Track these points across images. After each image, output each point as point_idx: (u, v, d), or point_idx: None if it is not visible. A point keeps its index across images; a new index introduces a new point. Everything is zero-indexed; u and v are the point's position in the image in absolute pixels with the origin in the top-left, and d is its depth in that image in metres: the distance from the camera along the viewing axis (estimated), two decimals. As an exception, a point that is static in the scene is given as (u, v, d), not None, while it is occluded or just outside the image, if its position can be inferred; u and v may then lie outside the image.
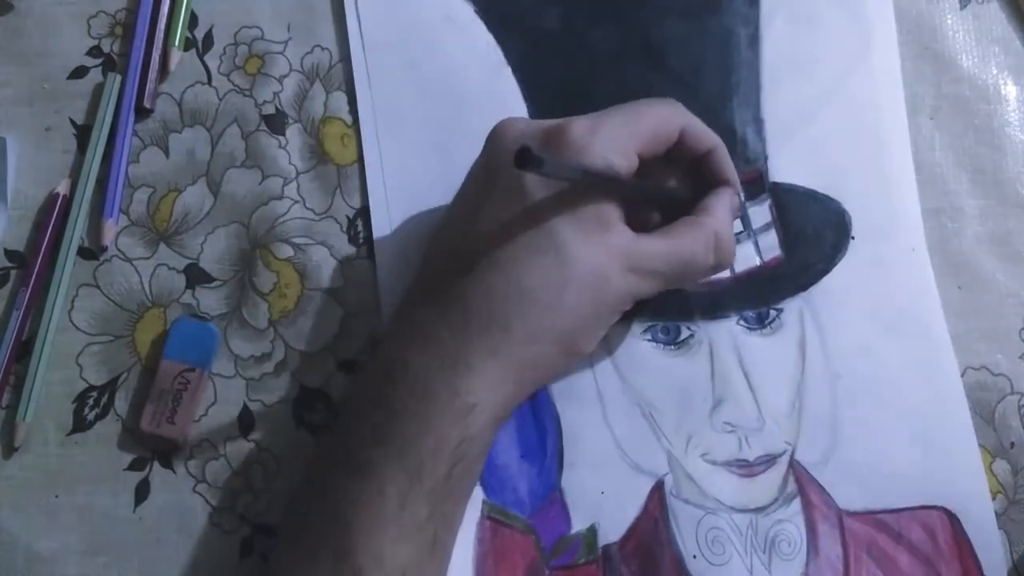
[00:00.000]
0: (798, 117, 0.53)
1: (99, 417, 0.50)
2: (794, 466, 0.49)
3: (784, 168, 0.53)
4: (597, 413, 0.49)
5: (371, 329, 0.51)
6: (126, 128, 0.52)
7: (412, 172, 0.52)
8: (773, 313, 0.51)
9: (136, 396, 0.50)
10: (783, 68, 0.54)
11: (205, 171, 0.53)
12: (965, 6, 0.56)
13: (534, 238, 0.42)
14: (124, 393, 0.50)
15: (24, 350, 0.50)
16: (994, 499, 0.49)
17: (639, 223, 0.45)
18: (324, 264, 0.51)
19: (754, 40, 0.54)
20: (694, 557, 0.47)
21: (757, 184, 0.52)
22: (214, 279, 0.51)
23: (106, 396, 0.50)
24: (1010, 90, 0.55)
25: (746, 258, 0.51)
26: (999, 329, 0.52)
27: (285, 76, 0.54)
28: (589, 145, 0.43)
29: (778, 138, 0.53)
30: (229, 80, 0.54)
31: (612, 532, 0.48)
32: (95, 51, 0.54)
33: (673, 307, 0.50)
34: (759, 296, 0.51)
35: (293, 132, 0.53)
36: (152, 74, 0.53)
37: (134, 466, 0.49)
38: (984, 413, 0.50)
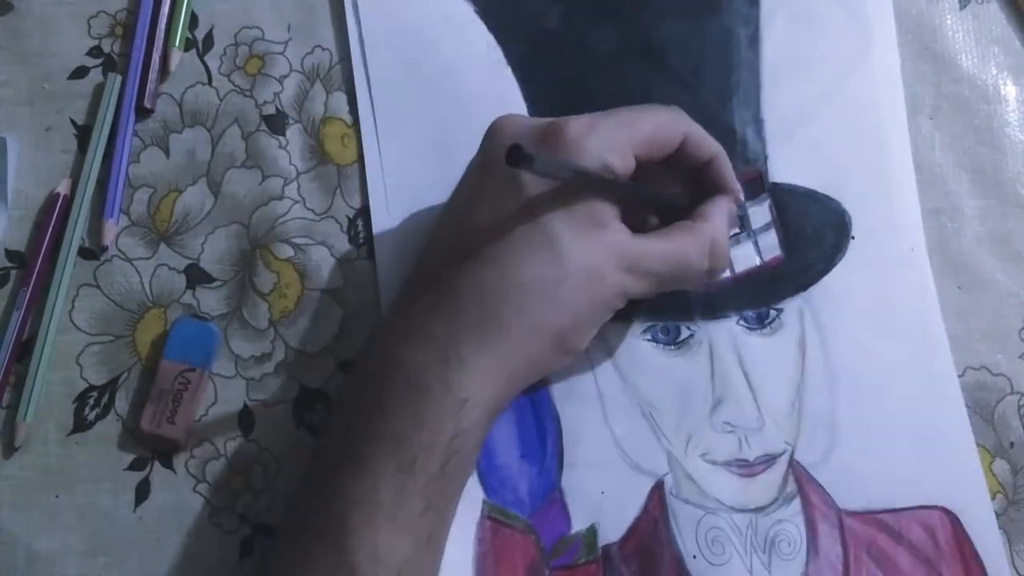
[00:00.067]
0: (798, 117, 0.53)
1: (99, 417, 0.50)
2: (794, 466, 0.49)
3: (784, 168, 0.53)
4: (597, 413, 0.49)
5: (371, 329, 0.51)
6: (126, 128, 0.52)
7: (412, 172, 0.52)
8: (773, 313, 0.51)
9: (136, 396, 0.50)
10: (783, 68, 0.54)
11: (205, 171, 0.53)
12: (965, 6, 0.56)
13: (529, 234, 0.43)
14: (124, 393, 0.50)
15: (24, 350, 0.50)
16: (994, 499, 0.49)
17: (636, 225, 0.45)
18: (324, 264, 0.51)
19: (754, 40, 0.54)
20: (694, 557, 0.47)
21: (757, 184, 0.52)
22: (214, 279, 0.51)
23: (106, 396, 0.50)
24: (1010, 90, 0.55)
25: (746, 258, 0.52)
26: (999, 329, 0.52)
27: (285, 76, 0.54)
28: (585, 144, 0.43)
29: (778, 138, 0.53)
30: (229, 80, 0.54)
31: (612, 532, 0.48)
32: (95, 51, 0.54)
33: (673, 307, 0.50)
34: (759, 296, 0.51)
35: (293, 132, 0.53)
36: (152, 74, 0.53)
37: (134, 466, 0.49)
38: (984, 413, 0.50)
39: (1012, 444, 0.50)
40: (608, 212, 0.43)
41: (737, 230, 0.51)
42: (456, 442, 0.42)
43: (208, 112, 0.53)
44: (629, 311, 0.50)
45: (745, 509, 0.48)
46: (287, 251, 0.52)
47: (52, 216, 0.51)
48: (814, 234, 0.52)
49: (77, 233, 0.51)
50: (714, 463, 0.49)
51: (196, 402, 0.49)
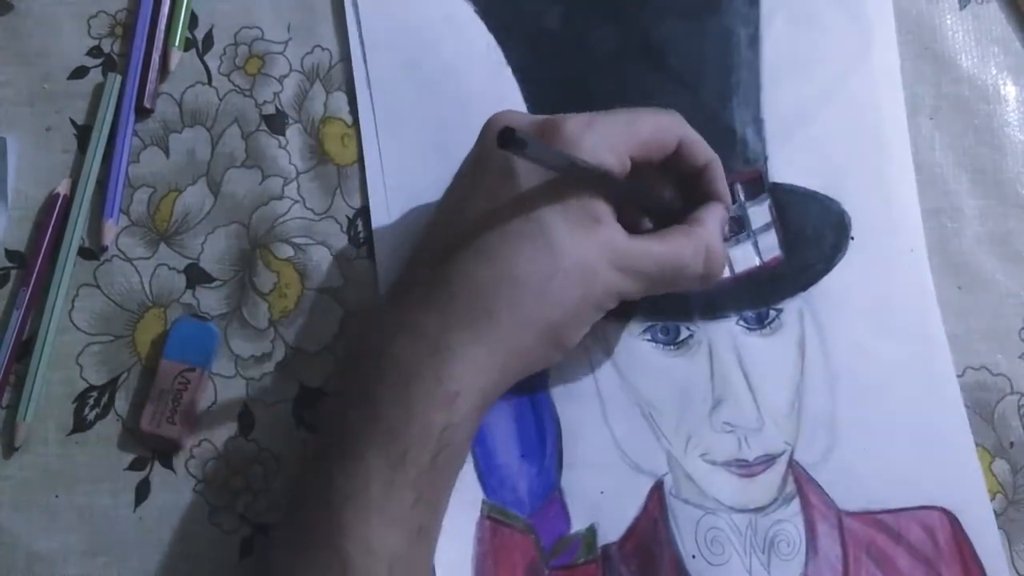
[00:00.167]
0: (798, 117, 0.53)
1: (99, 417, 0.50)
2: (793, 466, 0.49)
3: (784, 168, 0.53)
4: (597, 413, 0.49)
5: (364, 322, 0.51)
6: (126, 128, 0.52)
7: (412, 172, 0.52)
8: (773, 313, 0.51)
9: (136, 396, 0.50)
10: (783, 68, 0.54)
11: (205, 171, 0.53)
12: (965, 6, 0.56)
13: (522, 226, 0.42)
14: (124, 393, 0.50)
15: (24, 350, 0.50)
16: (993, 499, 0.49)
17: (630, 226, 0.45)
18: (324, 264, 0.52)
19: (754, 40, 0.54)
20: (693, 557, 0.47)
21: (757, 184, 0.52)
22: (214, 279, 0.51)
23: (106, 396, 0.50)
24: (1010, 90, 0.55)
25: (746, 258, 0.52)
26: (999, 329, 0.52)
27: (285, 76, 0.54)
28: (581, 141, 0.43)
29: (778, 138, 0.53)
30: (229, 80, 0.54)
31: (611, 532, 0.48)
32: (95, 51, 0.54)
33: (673, 307, 0.50)
34: (759, 296, 0.51)
35: (293, 132, 0.53)
36: (152, 74, 0.53)
37: (134, 466, 0.49)
38: (984, 413, 0.50)
39: (1012, 444, 0.50)
40: (603, 209, 0.43)
41: (736, 231, 0.51)
42: (447, 435, 0.42)
43: (208, 112, 0.53)
44: (628, 311, 0.50)
45: (744, 509, 0.48)
46: (287, 251, 0.52)
47: (52, 216, 0.51)
48: (814, 234, 0.52)
49: (77, 233, 0.51)
50: (713, 463, 0.49)
51: (196, 402, 0.49)
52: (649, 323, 0.51)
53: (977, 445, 0.50)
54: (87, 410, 0.50)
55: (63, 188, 0.52)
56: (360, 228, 0.52)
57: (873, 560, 0.47)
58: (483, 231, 0.43)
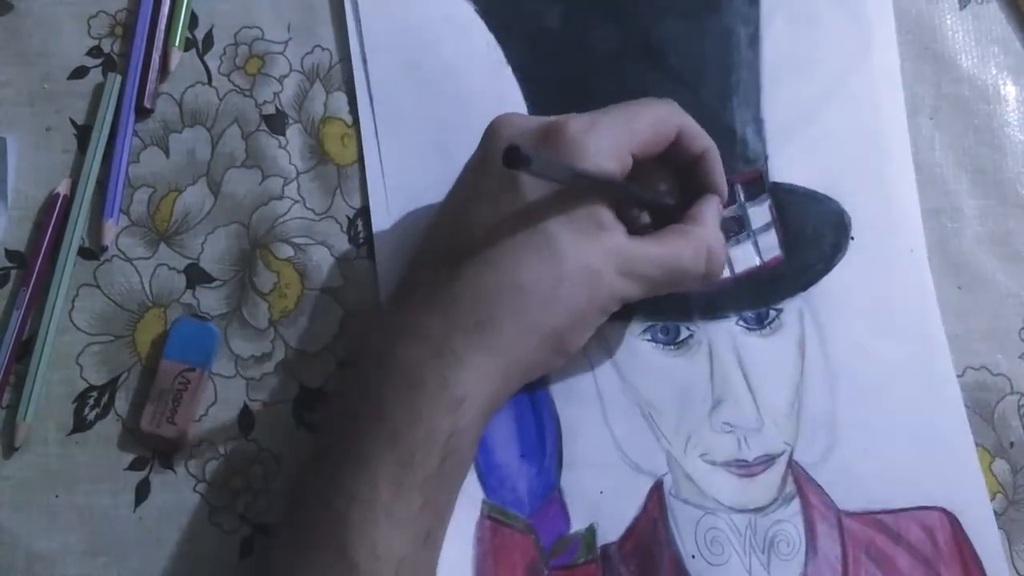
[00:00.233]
0: (798, 117, 0.53)
1: (99, 417, 0.50)
2: (793, 466, 0.49)
3: (784, 168, 0.53)
4: (596, 413, 0.49)
5: (365, 325, 0.51)
6: (126, 128, 0.52)
7: (412, 172, 0.52)
8: (773, 313, 0.51)
9: (136, 396, 0.50)
10: (783, 68, 0.54)
11: (205, 171, 0.53)
12: (965, 6, 0.56)
13: (527, 235, 0.43)
14: (124, 393, 0.50)
15: (24, 350, 0.50)
16: (993, 499, 0.49)
17: (626, 221, 0.45)
18: (324, 264, 0.52)
19: (754, 40, 0.54)
20: (693, 557, 0.47)
21: (757, 184, 0.52)
22: (214, 279, 0.51)
23: (106, 396, 0.50)
24: (1010, 90, 0.55)
25: (746, 258, 0.52)
26: (999, 329, 0.52)
27: (285, 76, 0.54)
28: (585, 144, 0.43)
29: (778, 138, 0.53)
30: (229, 80, 0.54)
31: (611, 532, 0.48)
32: (95, 51, 0.54)
33: (672, 307, 0.50)
34: (759, 296, 0.51)
35: (293, 132, 0.53)
36: (152, 74, 0.53)
37: (134, 466, 0.49)
38: (984, 413, 0.50)
39: (1012, 444, 0.50)
40: (607, 215, 0.44)
41: (736, 231, 0.51)
42: (453, 441, 0.42)
43: (208, 112, 0.53)
44: (628, 311, 0.50)
45: (744, 509, 0.48)
46: (287, 251, 0.52)
47: (52, 216, 0.51)
48: (814, 234, 0.52)
49: (77, 233, 0.51)
50: (713, 463, 0.49)
51: (196, 402, 0.49)
52: (649, 323, 0.51)
53: (977, 445, 0.50)
54: (87, 410, 0.50)
55: (63, 188, 0.52)
56: (360, 228, 0.52)
57: (873, 560, 0.47)
58: (487, 239, 0.43)
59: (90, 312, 0.51)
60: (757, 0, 0.55)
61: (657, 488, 0.48)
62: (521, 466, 0.49)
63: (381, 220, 0.52)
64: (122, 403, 0.50)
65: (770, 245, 0.52)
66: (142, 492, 0.49)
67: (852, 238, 0.52)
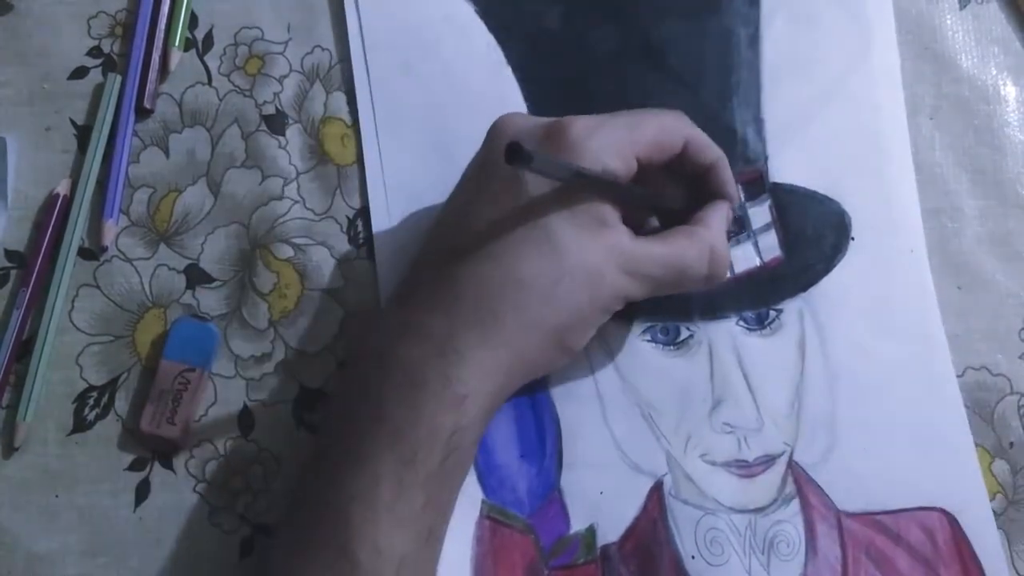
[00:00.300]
0: (798, 117, 0.53)
1: (99, 417, 0.50)
2: (793, 467, 0.49)
3: (784, 168, 0.53)
4: (596, 413, 0.49)
5: (366, 324, 0.51)
6: (126, 128, 0.52)
7: (412, 172, 0.52)
8: (773, 314, 0.51)
9: (136, 396, 0.50)
10: (783, 68, 0.54)
11: (205, 171, 0.53)
12: (965, 6, 0.56)
13: (529, 231, 0.43)
14: (124, 393, 0.50)
15: (24, 350, 0.50)
16: (993, 499, 0.49)
17: (636, 227, 0.45)
18: (324, 264, 0.51)
19: (754, 40, 0.54)
20: (692, 558, 0.47)
21: (757, 184, 0.52)
22: (214, 279, 0.51)
23: (106, 396, 0.50)
24: (1010, 90, 0.55)
25: (746, 258, 0.51)
26: (999, 329, 0.52)
27: (285, 76, 0.54)
28: (588, 145, 0.43)
29: (778, 138, 0.53)
30: (229, 80, 0.54)
31: (611, 532, 0.48)
32: (95, 51, 0.54)
33: (672, 307, 0.50)
34: (759, 297, 0.51)
35: (293, 132, 0.53)
36: (152, 74, 0.53)
37: (134, 466, 0.49)
38: (984, 413, 0.50)
39: (1012, 444, 0.50)
40: (610, 213, 0.44)
41: (736, 231, 0.51)
42: (455, 438, 0.42)
43: (208, 112, 0.53)
44: (629, 311, 0.50)
45: (744, 510, 0.48)
46: (287, 251, 0.52)
47: (52, 216, 0.51)
48: (814, 235, 0.52)
49: (77, 233, 0.51)
50: (713, 464, 0.49)
51: (196, 402, 0.49)
52: (649, 323, 0.51)
53: (977, 445, 0.50)
54: (87, 410, 0.50)
55: (63, 188, 0.52)
56: (360, 228, 0.52)
57: (872, 561, 0.47)
58: (490, 236, 0.43)
59: (90, 312, 0.51)
60: (757, 0, 0.55)
61: (657, 488, 0.48)
62: (521, 466, 0.49)
63: (381, 220, 0.52)
64: (122, 403, 0.50)
65: (770, 245, 0.52)
66: (142, 492, 0.49)
67: (852, 238, 0.52)
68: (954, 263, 0.52)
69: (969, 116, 0.54)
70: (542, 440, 0.49)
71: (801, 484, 0.49)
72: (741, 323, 0.51)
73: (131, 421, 0.49)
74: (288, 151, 0.53)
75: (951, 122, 0.54)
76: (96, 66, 0.54)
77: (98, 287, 0.51)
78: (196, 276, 0.51)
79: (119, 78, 0.53)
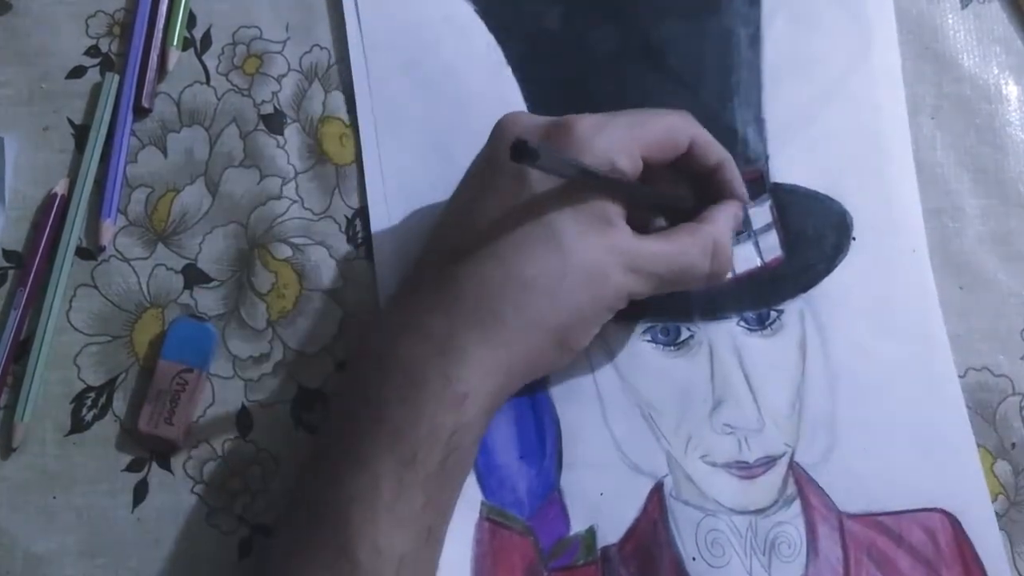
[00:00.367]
0: (799, 117, 0.53)
1: (97, 418, 0.49)
2: (794, 468, 0.49)
3: (785, 168, 0.53)
4: (596, 414, 0.49)
5: (367, 324, 0.50)
6: (124, 128, 0.52)
7: (411, 172, 0.52)
8: (773, 314, 0.51)
9: (134, 397, 0.50)
10: (784, 68, 0.54)
11: (203, 171, 0.52)
12: (966, 6, 0.56)
13: (533, 229, 0.43)
14: (122, 394, 0.50)
15: (22, 350, 0.50)
16: (995, 500, 0.49)
17: (641, 226, 0.45)
18: (323, 264, 0.51)
19: (755, 40, 0.54)
20: (693, 559, 0.47)
21: (758, 184, 0.52)
22: (212, 279, 0.51)
23: (104, 397, 0.50)
24: (1011, 90, 0.55)
25: (747, 259, 0.51)
26: (1000, 329, 0.51)
27: (283, 76, 0.54)
28: (593, 142, 0.43)
29: (779, 138, 0.53)
30: (227, 80, 0.54)
31: (611, 533, 0.48)
32: (93, 51, 0.54)
33: (673, 307, 0.50)
34: (760, 297, 0.51)
35: (291, 132, 0.53)
36: (150, 74, 0.53)
37: (132, 467, 0.49)
38: (985, 414, 0.50)
39: (1014, 445, 0.50)
40: (614, 211, 0.43)
41: (737, 231, 0.51)
42: (456, 438, 0.42)
43: (206, 111, 0.53)
44: (629, 312, 0.50)
45: (745, 511, 0.48)
46: (285, 251, 0.51)
47: (50, 216, 0.51)
48: (815, 235, 0.52)
49: (75, 233, 0.51)
50: (714, 465, 0.49)
51: (194, 403, 0.49)
52: (649, 323, 0.51)
53: (979, 446, 0.50)
54: (85, 411, 0.49)
55: (61, 188, 0.52)
56: (359, 228, 0.52)
57: (874, 562, 0.47)
58: (493, 234, 0.43)
59: (88, 312, 0.51)
60: (757, 0, 0.55)
61: (657, 489, 0.48)
62: (520, 467, 0.48)
63: (380, 220, 0.52)
64: (120, 404, 0.50)
65: (771, 245, 0.52)
66: (140, 493, 0.49)
67: (854, 238, 0.52)
68: (955, 263, 0.52)
69: (970, 115, 0.54)
70: (542, 441, 0.49)
71: (802, 485, 0.48)
72: (742, 323, 0.51)
73: (129, 421, 0.49)
74: (286, 150, 0.53)
75: (952, 122, 0.54)
76: (94, 65, 0.54)
77: (96, 287, 0.51)
78: (194, 276, 0.51)
79: (117, 77, 0.53)
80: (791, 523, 0.48)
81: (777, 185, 0.52)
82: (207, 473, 0.49)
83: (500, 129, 0.45)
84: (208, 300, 0.51)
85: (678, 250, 0.45)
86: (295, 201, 0.52)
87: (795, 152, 0.53)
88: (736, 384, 0.50)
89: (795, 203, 0.52)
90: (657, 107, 0.47)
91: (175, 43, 0.53)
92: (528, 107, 0.53)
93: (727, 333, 0.50)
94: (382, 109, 0.53)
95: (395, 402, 0.42)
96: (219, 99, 0.53)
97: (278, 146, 0.53)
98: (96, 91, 0.53)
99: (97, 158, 0.52)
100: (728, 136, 0.52)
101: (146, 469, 0.49)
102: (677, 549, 0.47)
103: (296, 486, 0.46)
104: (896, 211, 0.52)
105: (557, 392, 0.49)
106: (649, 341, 0.50)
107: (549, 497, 0.48)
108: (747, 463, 0.49)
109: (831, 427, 0.49)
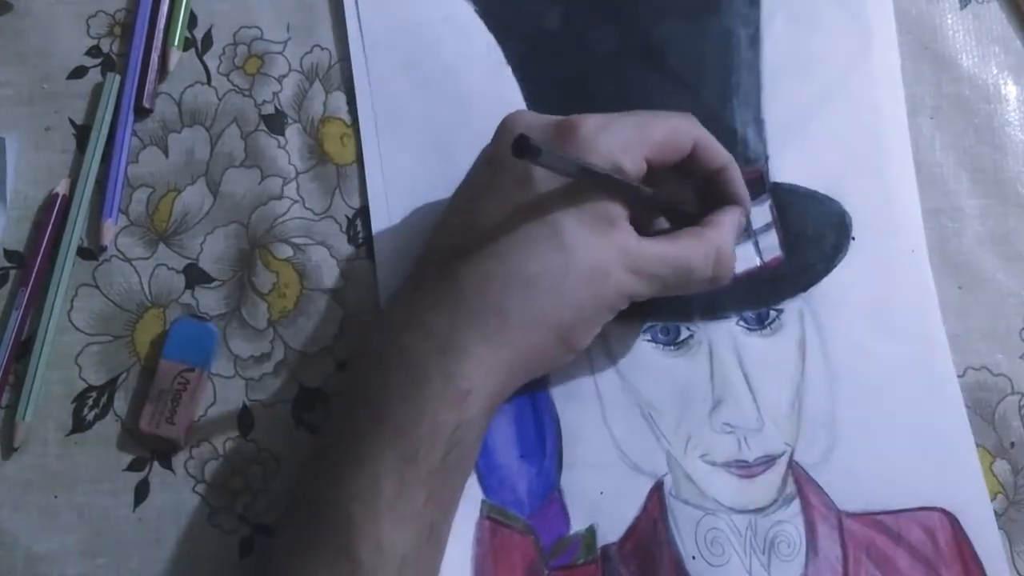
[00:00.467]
0: (798, 117, 0.53)
1: (98, 417, 0.50)
2: (793, 467, 0.49)
3: (785, 168, 0.53)
4: (596, 413, 0.49)
5: (368, 322, 0.51)
6: (125, 128, 0.52)
7: (412, 172, 0.52)
8: (773, 314, 0.51)
9: (135, 396, 0.50)
10: (783, 68, 0.54)
11: (204, 171, 0.52)
12: (965, 6, 0.56)
13: (536, 228, 0.43)
14: (123, 393, 0.50)
15: (23, 350, 0.50)
16: (994, 499, 0.49)
17: (644, 227, 0.45)
18: (323, 264, 0.51)
19: (754, 40, 0.54)
20: (693, 558, 0.47)
21: (758, 184, 0.52)
22: (213, 279, 0.51)
23: (105, 396, 0.50)
24: (1010, 90, 0.55)
25: (746, 258, 0.51)
26: (999, 329, 0.51)
27: (284, 76, 0.54)
28: (597, 142, 0.43)
29: (779, 138, 0.53)
30: (228, 80, 0.54)
31: (611, 532, 0.48)
32: (94, 51, 0.54)
33: (673, 307, 0.50)
34: (759, 297, 0.51)
35: (292, 132, 0.53)
36: (151, 74, 0.53)
37: (133, 466, 0.49)
38: (984, 413, 0.50)
39: (1013, 444, 0.50)
40: (617, 212, 0.44)
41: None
42: (458, 434, 0.42)
43: (207, 112, 0.53)
44: (630, 313, 0.50)
45: (744, 510, 0.48)
46: (286, 251, 0.52)
47: (51, 216, 0.51)
48: (814, 235, 0.52)
49: (76, 233, 0.51)
50: (713, 464, 0.49)
51: (195, 402, 0.49)
52: (649, 323, 0.51)
53: (978, 446, 0.50)
54: (86, 410, 0.50)
55: (62, 188, 0.52)
56: (359, 228, 0.52)
57: (873, 561, 0.47)
58: (496, 232, 0.43)
59: (89, 312, 0.51)
60: (757, 1, 0.55)
61: (657, 488, 0.48)
62: (521, 466, 0.49)
63: (381, 220, 0.52)
64: (121, 403, 0.50)
65: (771, 245, 0.52)
66: (141, 492, 0.49)
67: (853, 238, 0.52)
68: (954, 263, 0.52)
69: (970, 115, 0.54)
70: (542, 440, 0.49)
71: (802, 484, 0.48)
72: (741, 323, 0.51)
73: (130, 421, 0.49)
74: (287, 151, 0.53)
75: (951, 122, 0.54)
76: (95, 66, 0.54)
77: (97, 287, 0.51)
78: (195, 276, 0.51)
79: (118, 78, 0.53)
80: (790, 522, 0.48)
81: (777, 185, 0.52)
82: (208, 473, 0.49)
83: (505, 127, 0.46)
84: (209, 300, 0.51)
85: (681, 254, 0.45)
86: (296, 201, 0.52)
87: (794, 152, 0.53)
88: (736, 383, 0.50)
89: (794, 203, 0.52)
90: (657, 107, 0.47)
91: (176, 43, 0.54)
92: (528, 107, 0.53)
93: (727, 333, 0.50)
94: (383, 109, 0.53)
95: (396, 400, 0.42)
96: (220, 99, 0.53)
97: (279, 146, 0.53)
98: (97, 91, 0.53)
99: (98, 158, 0.52)
100: (728, 136, 0.52)
101: (147, 468, 0.49)
102: (677, 548, 0.47)
103: (297, 486, 0.46)
104: (895, 211, 0.52)
105: (557, 392, 0.50)
106: (649, 340, 0.50)
107: (549, 496, 0.48)
108: (747, 462, 0.49)
109: (830, 426, 0.49)
